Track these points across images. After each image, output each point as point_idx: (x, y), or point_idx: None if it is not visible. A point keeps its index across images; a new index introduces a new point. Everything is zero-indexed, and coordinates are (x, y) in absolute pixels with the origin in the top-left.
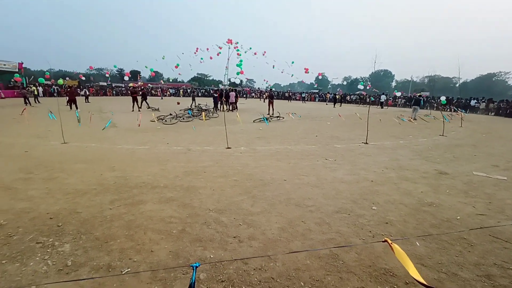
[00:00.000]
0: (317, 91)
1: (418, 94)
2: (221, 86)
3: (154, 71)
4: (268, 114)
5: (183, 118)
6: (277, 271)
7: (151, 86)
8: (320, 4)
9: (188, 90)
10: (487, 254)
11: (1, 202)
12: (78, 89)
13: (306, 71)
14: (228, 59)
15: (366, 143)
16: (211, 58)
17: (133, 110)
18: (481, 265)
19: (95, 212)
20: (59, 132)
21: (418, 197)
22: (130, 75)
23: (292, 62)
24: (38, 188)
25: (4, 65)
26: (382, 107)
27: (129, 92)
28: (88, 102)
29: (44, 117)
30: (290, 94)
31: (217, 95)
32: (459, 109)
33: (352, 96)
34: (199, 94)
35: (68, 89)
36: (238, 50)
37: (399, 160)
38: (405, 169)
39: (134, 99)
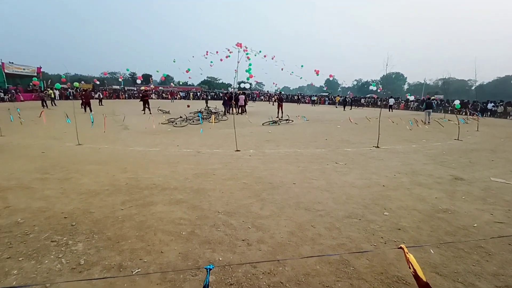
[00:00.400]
0: (326, 94)
1: (428, 97)
2: (230, 89)
3: (165, 75)
4: (277, 117)
5: (193, 121)
6: (286, 275)
7: (162, 89)
8: (325, 4)
9: (198, 93)
10: (507, 264)
11: (19, 201)
12: (93, 92)
13: (317, 72)
14: (238, 62)
15: (377, 147)
16: (221, 60)
17: (144, 113)
18: (500, 275)
19: (107, 212)
20: (74, 134)
21: (432, 203)
22: (142, 79)
23: (302, 66)
24: (53, 188)
25: (24, 69)
26: (391, 110)
27: (140, 95)
28: (101, 105)
29: (60, 119)
30: (299, 97)
31: (227, 98)
32: (476, 113)
33: (363, 99)
34: (209, 97)
35: (83, 93)
36: (247, 54)
37: (412, 165)
38: (419, 174)
39: (146, 102)
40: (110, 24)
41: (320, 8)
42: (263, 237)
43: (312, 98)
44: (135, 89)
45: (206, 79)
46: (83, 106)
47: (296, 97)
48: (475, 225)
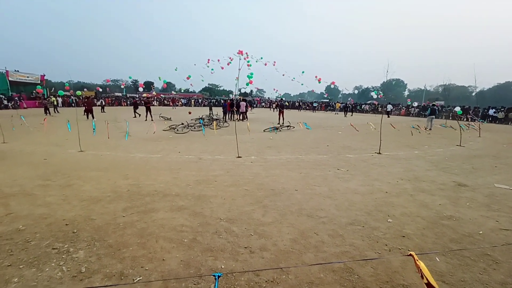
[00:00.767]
0: (327, 100)
1: (432, 103)
2: (231, 96)
3: (166, 82)
4: (279, 123)
5: (195, 128)
6: (289, 284)
7: (163, 96)
8: (319, 13)
9: (200, 100)
10: None
11: (21, 208)
12: (95, 100)
13: (319, 80)
14: (240, 69)
15: (379, 153)
16: (222, 68)
17: (146, 120)
18: (508, 284)
19: (108, 219)
20: (76, 140)
21: (436, 210)
22: (144, 86)
23: (303, 72)
24: (55, 194)
25: (28, 77)
26: (388, 116)
27: (142, 102)
28: (104, 112)
29: (63, 126)
30: (300, 103)
31: (227, 104)
32: (478, 119)
33: (363, 106)
34: (208, 104)
35: (86, 100)
36: (248, 62)
37: (414, 171)
38: (421, 180)
39: (148, 109)
40: (112, 34)
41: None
42: (266, 245)
43: (314, 105)
44: (137, 96)
45: (207, 86)
46: (85, 113)
47: (297, 104)
48: (481, 232)
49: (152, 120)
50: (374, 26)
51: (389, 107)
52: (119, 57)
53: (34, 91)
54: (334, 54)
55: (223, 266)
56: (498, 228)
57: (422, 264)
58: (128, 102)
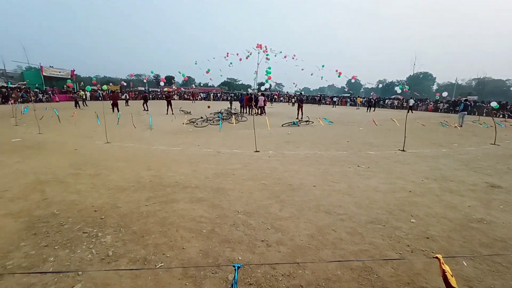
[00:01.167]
0: (348, 95)
1: (464, 98)
2: (250, 90)
3: (186, 76)
4: (297, 118)
5: (213, 121)
6: (306, 279)
7: (183, 90)
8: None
9: (218, 94)
10: None
11: (55, 194)
12: (120, 94)
13: (339, 73)
14: (258, 64)
15: (403, 150)
16: (240, 60)
17: (167, 113)
18: None
19: (133, 208)
20: (103, 132)
21: (465, 212)
22: (165, 80)
23: (323, 66)
24: (85, 183)
25: (59, 72)
26: (411, 112)
27: (164, 96)
28: (128, 105)
29: (91, 118)
30: (320, 97)
31: (244, 98)
32: None
33: (387, 100)
34: (228, 98)
35: (111, 94)
36: (267, 55)
37: (441, 170)
38: (449, 180)
39: (169, 103)
40: (134, 33)
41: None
42: (283, 239)
43: (334, 99)
44: (159, 90)
45: (226, 80)
46: (112, 107)
47: (317, 98)
48: None
49: (172, 113)
50: (403, 12)
51: (411, 101)
52: (141, 53)
53: (65, 85)
54: (356, 45)
55: (240, 258)
56: None
57: (448, 268)
58: (150, 97)
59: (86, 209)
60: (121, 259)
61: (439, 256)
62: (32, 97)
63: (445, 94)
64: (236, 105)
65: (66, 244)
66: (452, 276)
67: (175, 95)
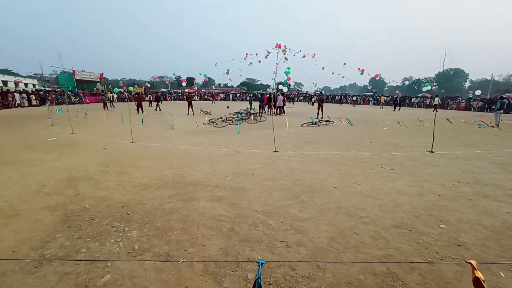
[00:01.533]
0: (371, 93)
1: (501, 96)
2: (268, 90)
3: (207, 77)
4: (317, 118)
5: (233, 122)
6: (326, 282)
7: (204, 91)
8: None
9: (237, 95)
10: None
11: (86, 190)
12: (144, 95)
13: (362, 71)
14: (277, 64)
15: (432, 151)
16: (260, 62)
17: (188, 114)
18: None
19: (156, 205)
20: (129, 132)
21: (502, 219)
22: (186, 81)
23: (344, 64)
24: (113, 180)
25: (90, 75)
26: (436, 110)
27: (184, 97)
28: (151, 106)
29: (118, 119)
30: (342, 96)
31: (264, 98)
32: None
33: (413, 99)
34: (248, 98)
35: (136, 95)
36: (285, 54)
37: (475, 173)
38: (484, 184)
39: (189, 104)
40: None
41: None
42: (302, 240)
43: (354, 98)
44: (180, 91)
45: (245, 80)
46: (137, 108)
47: (338, 97)
48: None
49: (193, 114)
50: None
51: (436, 99)
52: (164, 57)
53: (95, 88)
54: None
55: (259, 257)
56: None
57: (481, 275)
58: (172, 98)
59: (114, 205)
60: (145, 253)
61: (473, 262)
62: (66, 99)
63: (478, 92)
64: (256, 105)
65: (96, 237)
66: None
67: (196, 96)
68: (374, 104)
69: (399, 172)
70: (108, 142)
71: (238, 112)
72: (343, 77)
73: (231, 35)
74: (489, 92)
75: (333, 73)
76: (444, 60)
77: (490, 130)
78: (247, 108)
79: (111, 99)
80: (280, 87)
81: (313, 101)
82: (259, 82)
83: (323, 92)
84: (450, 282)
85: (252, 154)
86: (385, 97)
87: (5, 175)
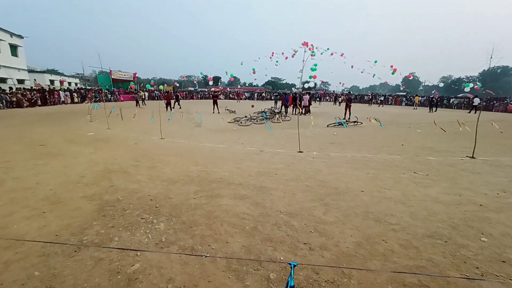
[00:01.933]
0: (404, 93)
1: None
2: (294, 90)
3: (233, 76)
4: (344, 118)
5: (257, 121)
6: None
7: (229, 90)
8: None
9: (262, 94)
10: None
11: (120, 182)
12: (172, 94)
13: (395, 70)
14: (304, 61)
15: (473, 157)
16: (286, 58)
17: (213, 112)
18: None
19: (182, 200)
20: (158, 129)
21: None
22: (212, 80)
23: (375, 61)
24: (143, 174)
25: (125, 75)
26: (474, 112)
27: (210, 96)
28: (178, 105)
29: (149, 116)
30: (372, 96)
31: (289, 98)
32: None
33: (452, 100)
34: (272, 97)
35: (165, 94)
36: (312, 52)
37: None
38: None
39: (215, 102)
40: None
41: None
42: (326, 244)
43: (381, 98)
44: (206, 90)
45: (270, 79)
46: (166, 105)
47: (369, 97)
48: None
49: (219, 112)
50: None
51: (476, 100)
52: (193, 57)
53: (129, 87)
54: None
55: (282, 258)
56: None
57: None
58: (199, 96)
59: (144, 198)
60: (172, 245)
61: None
62: (103, 97)
63: None
64: (278, 104)
65: (127, 227)
66: None
67: (221, 95)
68: (406, 104)
69: (434, 178)
70: (140, 138)
71: (263, 111)
72: (374, 75)
73: (257, 34)
74: None
75: (362, 72)
76: (491, 57)
77: None
78: (271, 107)
79: (143, 97)
80: (306, 85)
81: (339, 100)
82: (284, 81)
83: (351, 91)
84: None
85: (276, 154)
86: (420, 97)
87: (51, 166)
